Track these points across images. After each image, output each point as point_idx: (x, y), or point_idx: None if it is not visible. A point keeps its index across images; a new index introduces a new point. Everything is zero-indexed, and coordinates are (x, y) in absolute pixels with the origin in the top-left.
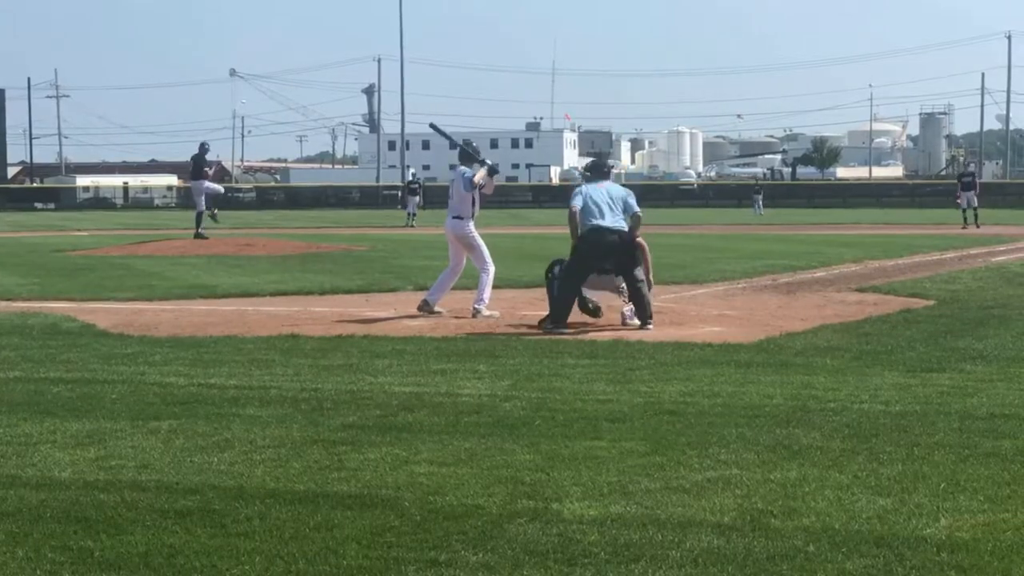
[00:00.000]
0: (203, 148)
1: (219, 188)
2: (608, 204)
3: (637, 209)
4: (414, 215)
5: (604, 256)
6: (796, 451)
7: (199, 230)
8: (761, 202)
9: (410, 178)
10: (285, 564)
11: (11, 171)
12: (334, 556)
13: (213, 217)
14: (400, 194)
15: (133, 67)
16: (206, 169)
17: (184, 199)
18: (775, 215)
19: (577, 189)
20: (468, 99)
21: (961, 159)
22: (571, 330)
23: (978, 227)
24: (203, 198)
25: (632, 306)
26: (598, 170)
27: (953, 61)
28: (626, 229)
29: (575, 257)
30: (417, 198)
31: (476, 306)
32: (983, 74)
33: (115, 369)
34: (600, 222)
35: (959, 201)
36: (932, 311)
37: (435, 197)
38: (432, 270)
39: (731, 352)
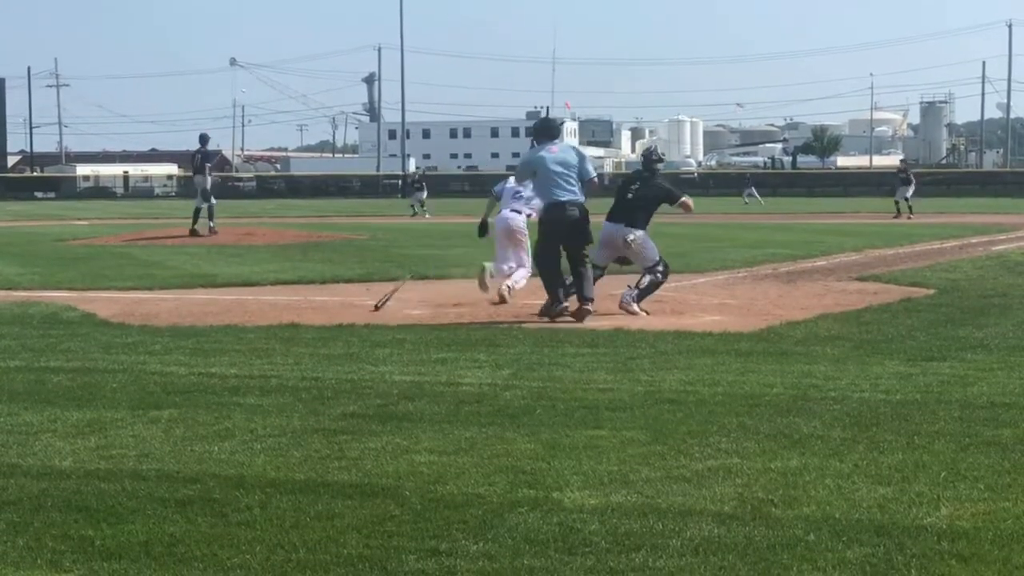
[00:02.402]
0: (204, 140)
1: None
2: (564, 174)
3: (593, 174)
4: (422, 206)
5: (568, 234)
6: (797, 440)
7: (195, 226)
8: (755, 190)
9: (414, 171)
10: (286, 553)
11: (11, 160)
12: (335, 545)
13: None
14: (401, 183)
15: (133, 56)
16: (207, 164)
17: (184, 188)
18: (775, 204)
19: (525, 160)
20: (469, 88)
21: (962, 148)
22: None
23: (910, 218)
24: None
25: (633, 290)
26: (547, 132)
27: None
28: (583, 200)
29: (540, 238)
30: (423, 193)
31: (511, 284)
32: (984, 63)
33: (116, 358)
34: (558, 197)
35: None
36: (932, 300)
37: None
38: (433, 259)
39: (732, 341)
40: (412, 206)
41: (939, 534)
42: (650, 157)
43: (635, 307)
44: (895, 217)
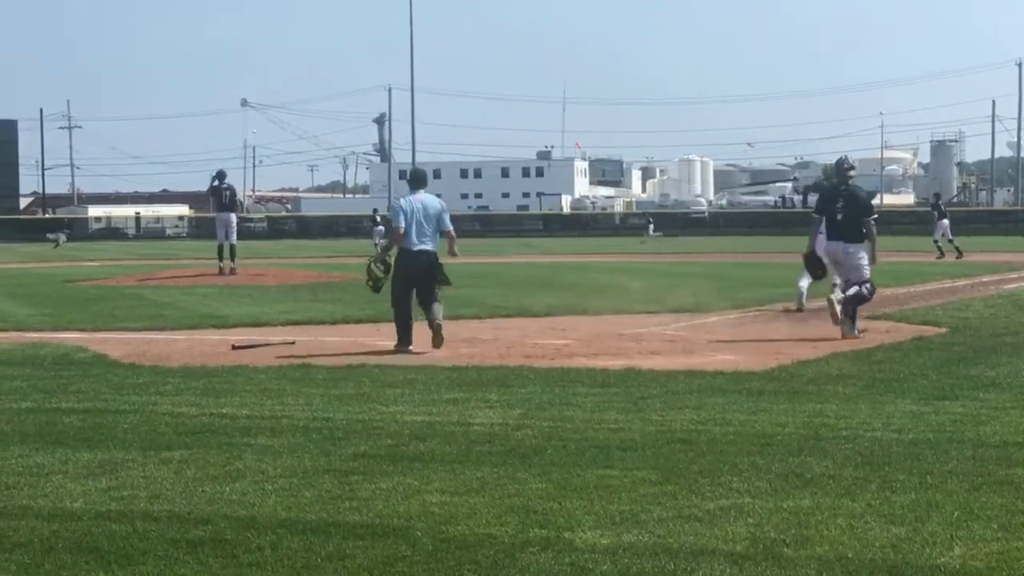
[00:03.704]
0: (224, 175)
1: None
2: (422, 223)
3: (450, 228)
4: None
5: (419, 276)
6: (808, 480)
7: (222, 263)
8: (651, 229)
9: (373, 212)
10: None
11: (23, 202)
12: None
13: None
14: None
15: (145, 97)
16: (236, 199)
17: (196, 228)
18: (787, 243)
19: (397, 204)
20: (479, 128)
21: (972, 187)
22: (418, 350)
23: (959, 257)
24: (226, 230)
25: (846, 307)
26: (415, 181)
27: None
28: (434, 250)
29: (395, 279)
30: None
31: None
32: (994, 101)
33: (127, 399)
34: (410, 247)
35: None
36: (944, 339)
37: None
38: (444, 299)
39: (743, 380)
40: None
41: (952, 574)
42: (842, 166)
43: (855, 331)
44: (939, 258)
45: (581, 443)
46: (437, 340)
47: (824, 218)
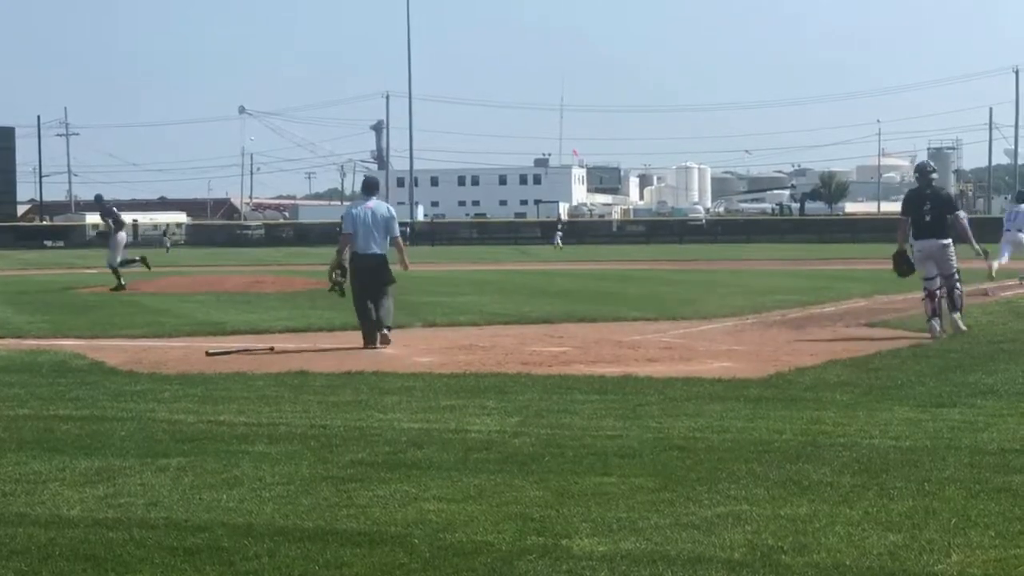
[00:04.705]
0: (102, 198)
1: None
2: (371, 228)
3: (397, 234)
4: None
5: (370, 278)
6: (806, 487)
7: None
8: (560, 238)
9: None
10: None
11: (21, 209)
12: None
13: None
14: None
15: (142, 104)
16: (108, 220)
17: (193, 236)
18: (784, 250)
19: (348, 210)
20: (477, 135)
21: (970, 194)
22: (386, 346)
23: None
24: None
25: (957, 312)
26: (367, 188)
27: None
28: (383, 253)
29: (352, 282)
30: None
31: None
32: (991, 109)
33: (124, 406)
34: (359, 250)
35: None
36: (942, 346)
37: (447, 234)
38: (441, 306)
39: (740, 387)
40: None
41: None
42: (925, 170)
43: (962, 325)
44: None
45: (579, 450)
46: (384, 341)
47: (911, 219)
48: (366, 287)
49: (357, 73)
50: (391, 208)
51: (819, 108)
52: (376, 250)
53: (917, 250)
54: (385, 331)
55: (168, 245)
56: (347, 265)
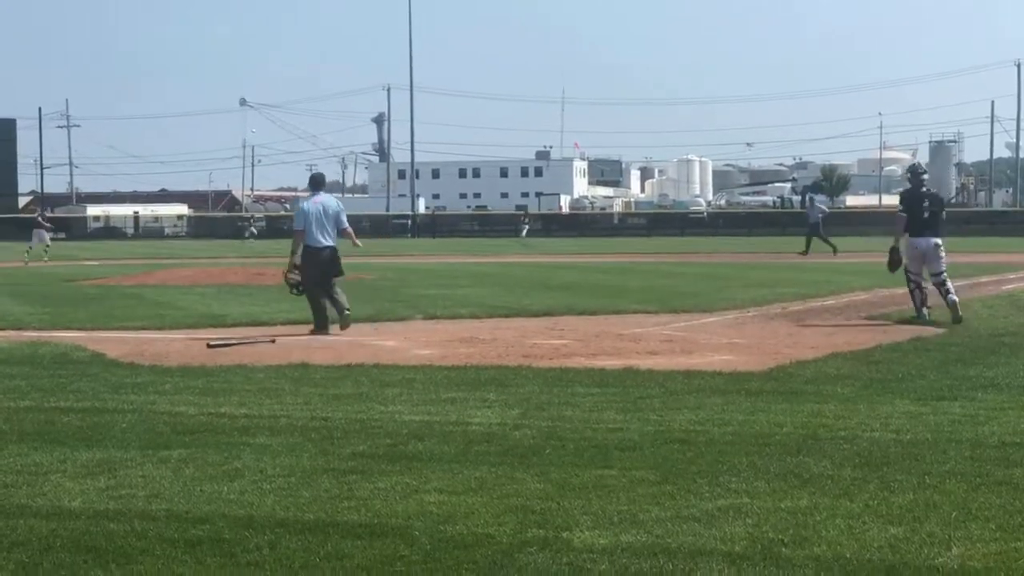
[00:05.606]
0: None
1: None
2: (323, 222)
3: (347, 226)
4: (45, 246)
5: (323, 269)
6: (807, 480)
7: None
8: (525, 230)
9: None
10: None
11: (22, 201)
12: None
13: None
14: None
15: (143, 96)
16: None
17: (195, 227)
18: (786, 243)
19: (299, 207)
20: (478, 128)
21: (971, 187)
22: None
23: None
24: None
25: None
26: (314, 184)
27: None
28: (334, 245)
29: (303, 273)
30: (47, 233)
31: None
32: (993, 102)
33: (125, 398)
34: (314, 244)
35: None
36: (943, 339)
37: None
38: (441, 298)
39: (741, 380)
40: (28, 250)
41: (950, 575)
42: (918, 172)
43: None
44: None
45: (579, 443)
46: (346, 325)
47: (908, 217)
48: (319, 278)
49: (358, 65)
50: (339, 202)
51: (820, 101)
52: (329, 242)
53: (913, 247)
54: (347, 312)
55: (253, 235)
56: (300, 262)
